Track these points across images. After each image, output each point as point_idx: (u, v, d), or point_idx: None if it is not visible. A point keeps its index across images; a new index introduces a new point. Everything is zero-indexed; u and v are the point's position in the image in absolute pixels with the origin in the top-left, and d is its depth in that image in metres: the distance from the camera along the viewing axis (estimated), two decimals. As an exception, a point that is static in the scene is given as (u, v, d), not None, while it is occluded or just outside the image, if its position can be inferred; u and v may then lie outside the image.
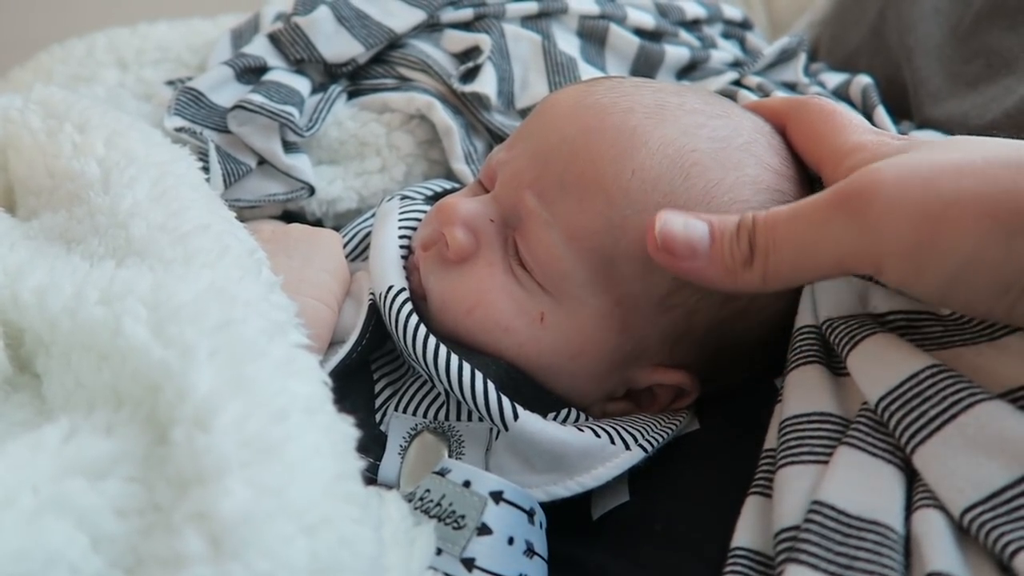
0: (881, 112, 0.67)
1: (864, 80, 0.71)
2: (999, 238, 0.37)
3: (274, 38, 0.71)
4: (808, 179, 0.54)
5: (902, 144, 0.44)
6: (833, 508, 0.39)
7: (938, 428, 0.39)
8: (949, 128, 0.66)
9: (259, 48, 0.71)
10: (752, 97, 0.64)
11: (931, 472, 0.39)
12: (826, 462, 0.42)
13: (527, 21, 0.75)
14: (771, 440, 0.46)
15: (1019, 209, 0.37)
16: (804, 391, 0.45)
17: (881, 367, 0.42)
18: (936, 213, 0.38)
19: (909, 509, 0.39)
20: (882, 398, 0.41)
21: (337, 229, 0.65)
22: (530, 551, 0.44)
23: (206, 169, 0.61)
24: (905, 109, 0.73)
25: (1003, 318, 0.40)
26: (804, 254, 0.42)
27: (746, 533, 0.43)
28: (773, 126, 0.55)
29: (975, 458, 0.38)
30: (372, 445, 0.50)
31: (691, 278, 0.45)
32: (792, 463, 0.42)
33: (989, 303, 0.39)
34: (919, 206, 0.39)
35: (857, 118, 0.49)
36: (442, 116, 0.68)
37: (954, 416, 0.39)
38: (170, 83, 0.72)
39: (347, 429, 0.38)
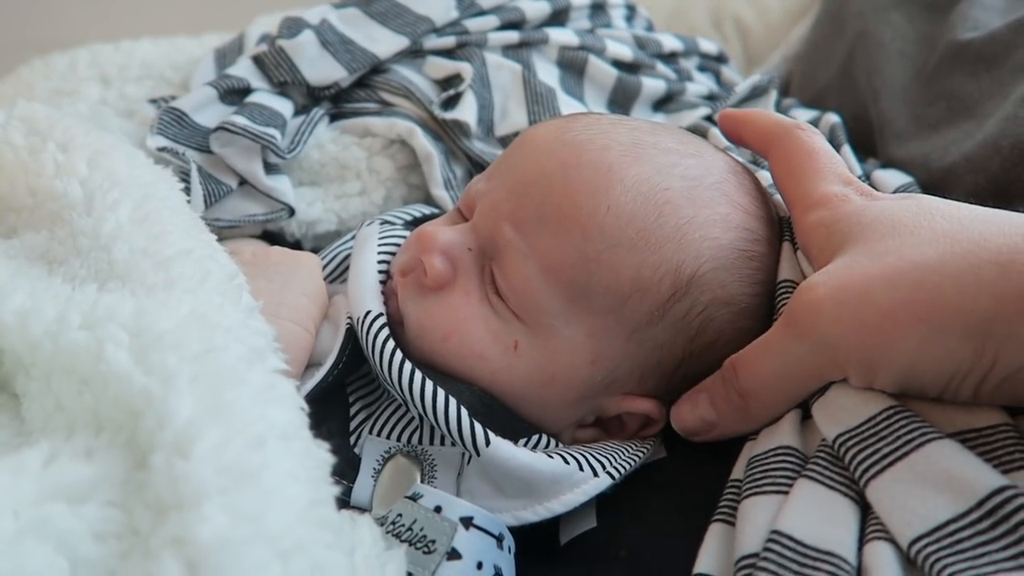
0: (847, 151, 0.69)
1: (833, 119, 0.73)
2: (934, 338, 0.41)
3: (258, 60, 0.72)
4: (777, 218, 0.56)
5: (855, 213, 0.47)
6: (791, 538, 0.41)
7: (891, 464, 0.41)
8: (912, 168, 0.69)
9: (243, 69, 0.71)
10: (723, 136, 0.66)
11: (882, 505, 0.40)
12: (787, 492, 0.44)
13: (508, 50, 0.76)
14: (738, 470, 0.48)
15: (948, 311, 0.40)
16: (776, 428, 0.47)
17: (842, 411, 0.44)
18: (874, 324, 0.42)
19: (862, 540, 0.41)
20: (840, 435, 0.43)
21: (316, 251, 0.66)
22: (499, 576, 0.45)
23: (188, 189, 0.62)
24: (871, 147, 0.75)
25: (951, 398, 0.43)
26: (782, 381, 0.46)
27: (707, 559, 0.44)
28: (744, 165, 0.57)
29: (923, 493, 0.39)
30: (346, 468, 0.51)
31: (725, 437, 0.49)
32: (755, 493, 0.44)
33: (939, 389, 0.43)
34: (857, 319, 0.42)
35: (832, 162, 0.52)
36: (422, 142, 0.70)
37: (906, 453, 0.41)
38: (153, 101, 0.73)
39: (322, 455, 0.39)
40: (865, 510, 0.42)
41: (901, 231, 0.44)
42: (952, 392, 0.42)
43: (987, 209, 0.45)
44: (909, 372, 0.42)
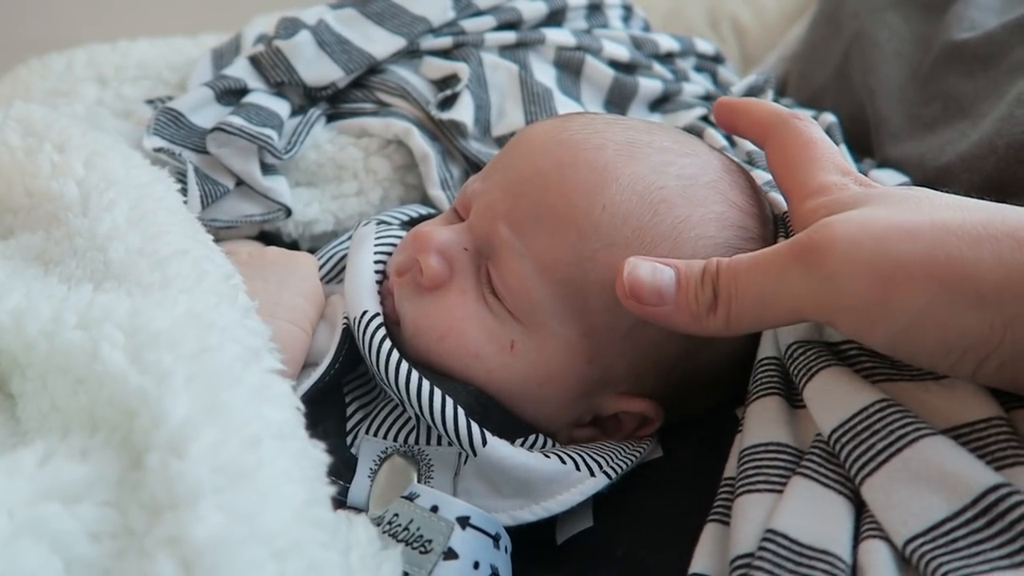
0: (844, 151, 0.69)
1: (829, 119, 0.73)
2: (944, 302, 0.39)
3: (255, 60, 0.72)
4: (772, 216, 0.56)
5: (861, 193, 0.45)
6: (786, 537, 0.41)
7: (885, 461, 0.41)
8: (907, 168, 0.69)
9: (240, 70, 0.71)
10: (718, 136, 0.66)
11: (877, 503, 0.40)
12: (781, 491, 0.44)
13: (505, 51, 0.76)
14: (731, 468, 0.48)
15: (963, 275, 0.39)
16: (763, 422, 0.47)
17: (834, 400, 0.44)
18: (886, 273, 0.40)
19: (857, 539, 0.41)
20: (834, 430, 0.43)
21: (313, 251, 0.67)
22: None
23: (184, 190, 0.62)
24: (867, 147, 0.76)
25: (945, 371, 0.42)
26: (764, 303, 0.44)
27: (703, 559, 0.44)
28: (739, 164, 0.57)
29: (918, 491, 0.39)
30: (343, 468, 0.51)
31: (658, 322, 0.46)
32: (749, 491, 0.44)
33: (932, 359, 0.41)
34: (870, 265, 0.40)
35: (830, 153, 0.50)
36: (419, 142, 0.70)
37: (900, 450, 0.41)
38: (150, 102, 0.73)
39: (318, 455, 0.39)
40: (859, 508, 0.42)
41: (914, 201, 0.43)
42: (949, 365, 0.41)
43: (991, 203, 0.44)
44: (908, 331, 0.40)
